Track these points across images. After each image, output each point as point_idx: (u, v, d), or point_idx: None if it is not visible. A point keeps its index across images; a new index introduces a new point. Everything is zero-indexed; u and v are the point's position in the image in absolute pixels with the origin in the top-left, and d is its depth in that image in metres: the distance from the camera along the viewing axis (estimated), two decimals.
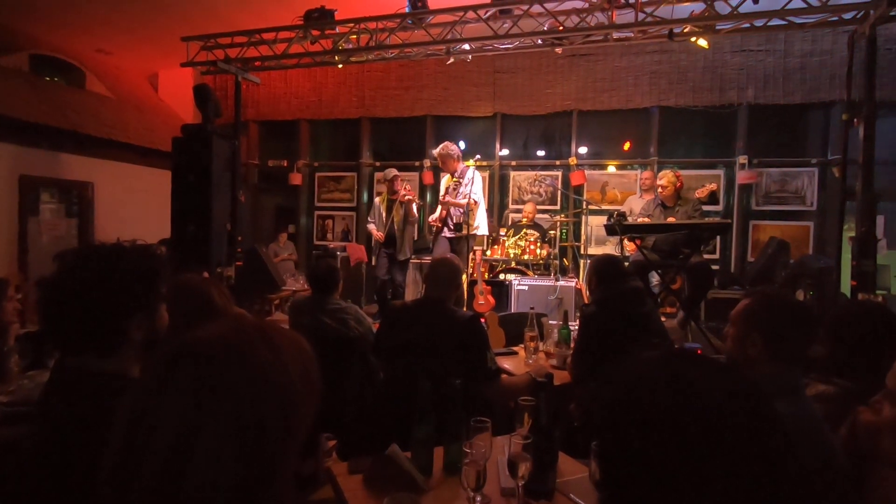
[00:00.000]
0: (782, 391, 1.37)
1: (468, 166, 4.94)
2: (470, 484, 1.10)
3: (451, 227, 4.88)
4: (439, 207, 4.89)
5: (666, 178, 4.42)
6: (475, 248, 5.12)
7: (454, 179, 4.89)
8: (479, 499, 1.18)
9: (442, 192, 5.08)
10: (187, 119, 7.00)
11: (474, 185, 4.79)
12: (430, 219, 5.05)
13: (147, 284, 1.06)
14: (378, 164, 7.55)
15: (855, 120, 3.58)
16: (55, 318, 1.00)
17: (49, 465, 0.95)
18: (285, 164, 7.85)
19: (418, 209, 5.33)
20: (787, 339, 1.35)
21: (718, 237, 6.09)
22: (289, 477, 0.63)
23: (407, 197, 5.10)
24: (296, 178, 7.68)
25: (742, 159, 6.16)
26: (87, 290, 0.98)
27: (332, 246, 7.39)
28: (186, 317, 1.50)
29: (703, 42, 4.28)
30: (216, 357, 0.58)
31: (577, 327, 2.78)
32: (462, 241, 4.82)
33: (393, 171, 5.35)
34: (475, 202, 4.74)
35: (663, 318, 4.76)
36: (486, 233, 5.12)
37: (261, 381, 0.58)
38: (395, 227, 5.20)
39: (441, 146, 4.89)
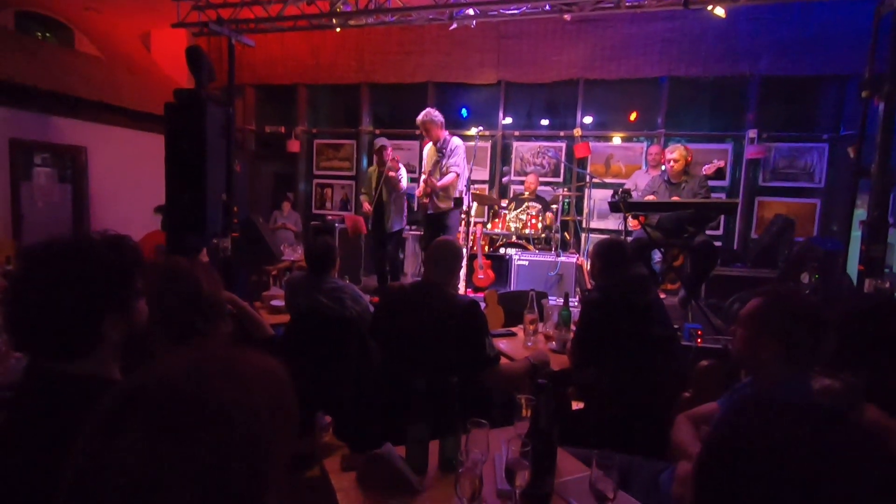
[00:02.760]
0: (792, 394, 1.33)
1: (452, 135, 4.77)
2: (465, 494, 1.06)
3: (435, 203, 4.73)
4: (422, 183, 4.73)
5: (678, 151, 4.28)
6: (475, 221, 5.00)
7: (437, 151, 4.73)
8: None
9: (425, 165, 4.89)
10: (181, 81, 6.76)
11: (454, 156, 4.60)
12: (416, 192, 4.90)
13: (119, 281, 0.98)
14: (378, 131, 7.36)
15: (876, 97, 3.42)
16: (21, 321, 0.93)
17: (16, 473, 0.90)
18: (283, 131, 7.66)
19: (403, 181, 5.07)
20: (802, 345, 1.29)
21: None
22: None
23: (391, 172, 4.88)
24: (293, 146, 7.51)
25: (752, 133, 6.00)
26: (53, 292, 0.91)
27: (330, 216, 7.27)
28: (172, 306, 1.44)
29: (720, 10, 4.07)
30: (172, 399, 0.52)
31: (577, 308, 2.73)
32: (446, 216, 4.71)
33: (381, 142, 5.13)
34: (457, 175, 4.58)
35: (664, 296, 4.74)
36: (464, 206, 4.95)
37: (222, 422, 0.53)
38: (384, 199, 5.04)
39: (423, 113, 4.64)
